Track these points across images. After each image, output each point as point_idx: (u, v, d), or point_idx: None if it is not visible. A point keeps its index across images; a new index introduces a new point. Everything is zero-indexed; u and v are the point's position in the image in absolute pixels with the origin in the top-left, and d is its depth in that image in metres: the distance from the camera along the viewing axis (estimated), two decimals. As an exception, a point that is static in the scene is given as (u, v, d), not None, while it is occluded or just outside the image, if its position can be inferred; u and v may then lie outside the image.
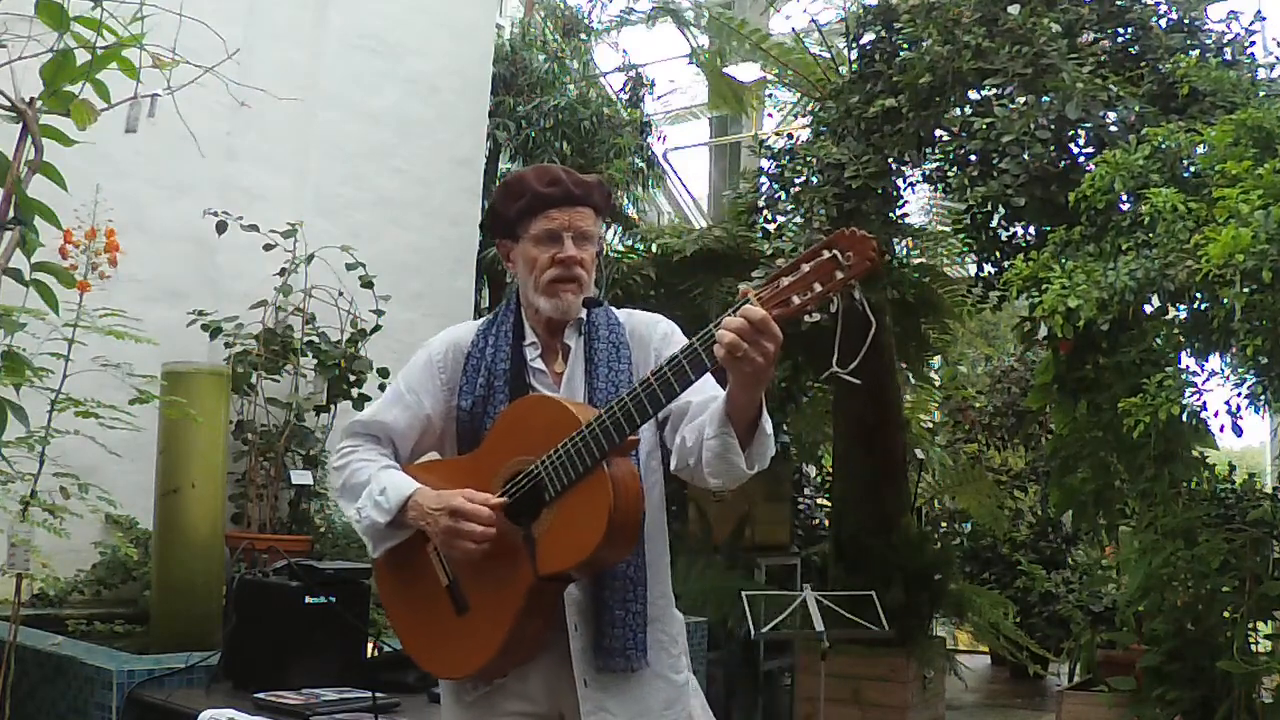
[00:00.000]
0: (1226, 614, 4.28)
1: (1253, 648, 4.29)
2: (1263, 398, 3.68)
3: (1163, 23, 5.10)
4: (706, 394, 1.92)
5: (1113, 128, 4.64)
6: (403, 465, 2.09)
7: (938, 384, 9.76)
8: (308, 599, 3.39)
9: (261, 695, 3.18)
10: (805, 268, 1.69)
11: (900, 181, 5.63)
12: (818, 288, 1.68)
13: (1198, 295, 3.76)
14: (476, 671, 1.96)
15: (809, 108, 7.11)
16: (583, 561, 1.84)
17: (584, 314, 2.07)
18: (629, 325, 2.11)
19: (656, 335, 2.11)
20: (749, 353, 1.67)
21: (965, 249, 6.05)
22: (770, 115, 8.96)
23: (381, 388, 5.31)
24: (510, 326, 2.09)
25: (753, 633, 4.96)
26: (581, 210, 2.06)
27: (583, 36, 8.79)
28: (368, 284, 5.38)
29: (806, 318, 1.71)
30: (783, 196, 5.73)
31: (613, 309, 2.15)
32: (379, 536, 2.02)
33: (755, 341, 1.67)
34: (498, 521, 1.89)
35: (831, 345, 1.74)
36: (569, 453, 1.83)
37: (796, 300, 1.68)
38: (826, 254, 1.67)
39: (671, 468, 2.02)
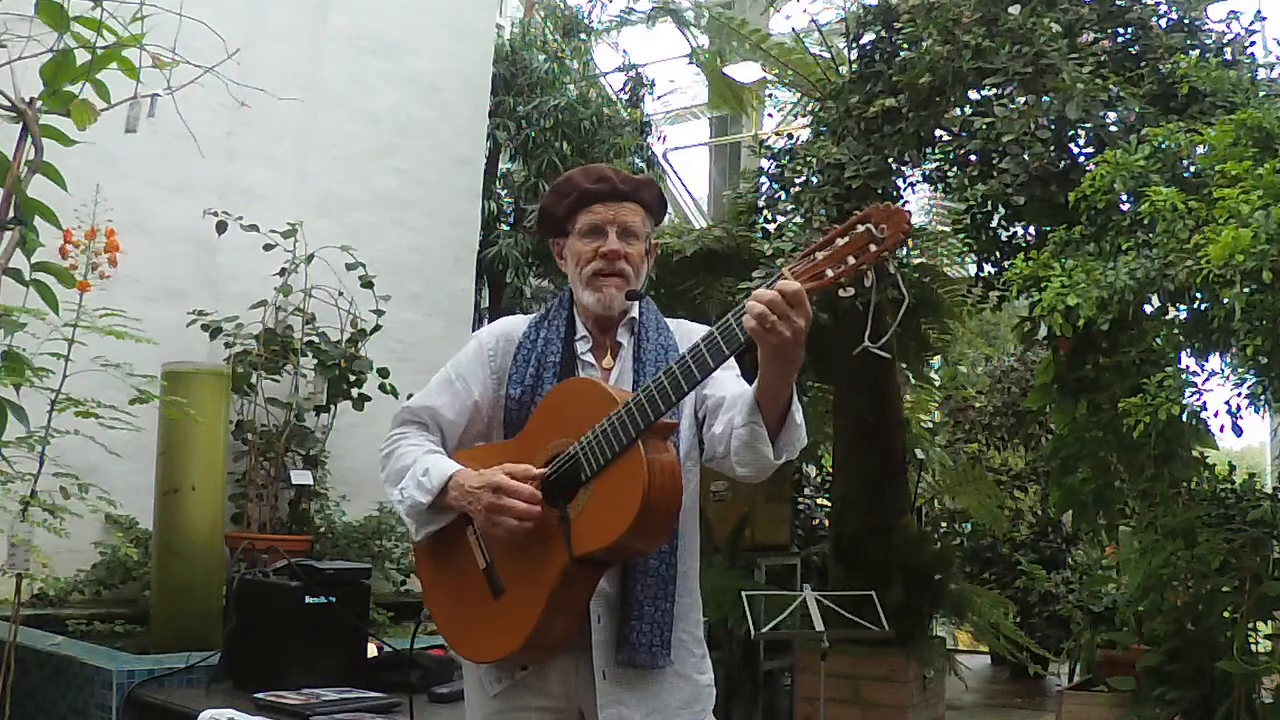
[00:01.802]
0: (1226, 614, 4.28)
1: (1253, 648, 4.30)
2: (1263, 398, 3.68)
3: (1163, 23, 5.09)
4: (742, 388, 1.93)
5: (1113, 128, 4.64)
6: (450, 452, 2.11)
7: (938, 384, 9.76)
8: (308, 599, 3.39)
9: (261, 695, 3.18)
10: (839, 241, 1.69)
11: (900, 181, 5.63)
12: (851, 261, 1.68)
13: (1198, 295, 3.76)
14: (505, 657, 1.96)
15: (809, 108, 7.10)
16: (616, 541, 1.82)
17: (635, 313, 2.10)
18: (678, 331, 2.14)
19: None
20: (777, 324, 1.68)
21: (965, 249, 6.05)
22: (770, 115, 8.96)
23: (381, 388, 5.32)
24: (563, 321, 2.11)
25: (753, 633, 4.95)
26: (628, 206, 2.09)
27: (583, 36, 8.79)
28: (368, 284, 5.38)
29: (840, 291, 1.71)
30: (783, 196, 5.73)
31: (661, 315, 2.15)
32: (422, 518, 2.03)
33: (785, 314, 1.68)
34: (540, 498, 1.89)
35: (831, 341, 1.73)
36: (606, 432, 1.83)
37: (830, 273, 1.69)
38: (860, 227, 1.68)
39: (703, 460, 2.03)
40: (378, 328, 5.42)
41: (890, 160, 5.33)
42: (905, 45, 5.35)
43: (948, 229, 7.18)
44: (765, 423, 1.82)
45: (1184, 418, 3.74)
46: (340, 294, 5.41)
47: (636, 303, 2.09)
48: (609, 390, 1.90)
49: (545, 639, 1.93)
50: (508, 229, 7.59)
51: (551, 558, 1.88)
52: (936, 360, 9.42)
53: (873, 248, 1.67)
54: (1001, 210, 4.85)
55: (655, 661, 1.96)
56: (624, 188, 2.09)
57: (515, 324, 2.18)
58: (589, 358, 2.09)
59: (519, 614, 1.91)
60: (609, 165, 2.18)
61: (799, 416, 1.86)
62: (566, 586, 1.88)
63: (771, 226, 5.88)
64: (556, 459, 1.91)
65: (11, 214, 2.48)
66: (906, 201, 5.92)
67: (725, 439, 1.90)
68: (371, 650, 3.55)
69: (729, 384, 1.97)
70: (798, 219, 5.51)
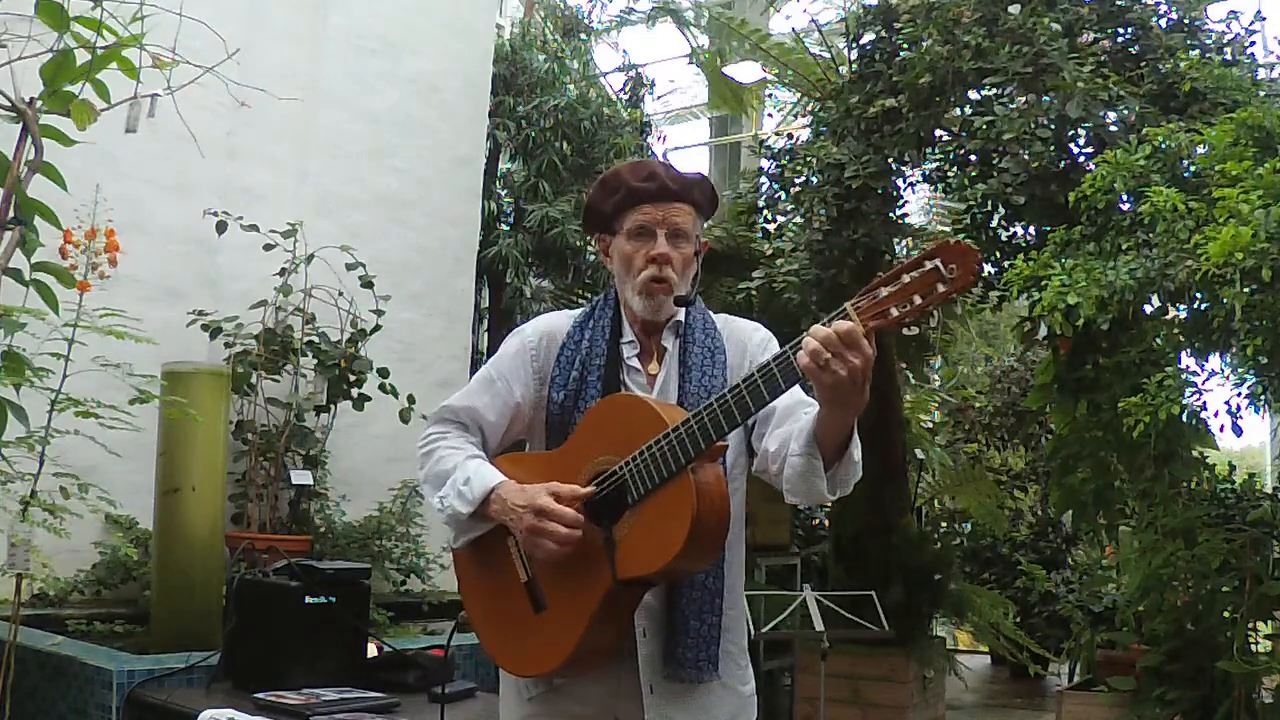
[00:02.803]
0: (1226, 614, 4.28)
1: (1253, 648, 4.30)
2: (1263, 398, 3.69)
3: (1163, 23, 5.10)
4: (795, 398, 1.88)
5: (1113, 128, 4.65)
6: (491, 454, 2.06)
7: (938, 384, 9.76)
8: (308, 599, 3.38)
9: (261, 695, 3.18)
10: (906, 278, 1.62)
11: (900, 181, 5.63)
12: (917, 300, 1.61)
13: (1198, 295, 3.77)
14: (547, 674, 1.93)
15: (809, 108, 7.11)
16: (662, 568, 1.79)
17: (681, 316, 2.05)
18: (726, 331, 2.08)
19: (754, 342, 2.06)
20: (830, 363, 1.62)
21: (965, 249, 6.05)
22: (770, 115, 8.97)
23: (381, 388, 5.32)
24: (608, 321, 2.06)
25: (753, 633, 4.95)
26: (678, 206, 2.02)
27: (583, 36, 8.79)
28: (368, 284, 5.38)
29: (905, 330, 1.64)
30: (783, 196, 5.74)
31: (710, 312, 2.11)
32: (461, 527, 1.99)
33: (839, 353, 1.62)
34: (582, 522, 1.85)
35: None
36: (655, 456, 1.79)
37: (895, 312, 1.62)
38: (929, 264, 1.61)
39: (753, 469, 2.00)
40: (378, 328, 5.41)
41: (890, 160, 5.33)
42: (905, 45, 5.35)
43: (948, 229, 7.19)
44: (822, 455, 1.77)
45: (1184, 418, 3.75)
46: (340, 294, 5.40)
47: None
48: (659, 411, 1.85)
49: (587, 656, 1.90)
50: (508, 229, 7.59)
51: (595, 578, 1.84)
52: (936, 360, 9.42)
53: (941, 287, 1.59)
54: (1001, 210, 4.85)
55: (702, 676, 1.93)
56: (674, 187, 2.02)
57: (558, 322, 2.11)
58: (635, 363, 2.04)
59: (561, 631, 1.88)
60: (659, 161, 2.11)
61: (857, 453, 1.81)
62: (610, 606, 1.85)
63: (771, 226, 5.89)
64: (601, 477, 1.87)
65: (11, 214, 2.48)
66: (906, 202, 5.92)
67: (780, 459, 1.85)
68: (371, 650, 3.55)
69: None
70: (798, 219, 5.52)
